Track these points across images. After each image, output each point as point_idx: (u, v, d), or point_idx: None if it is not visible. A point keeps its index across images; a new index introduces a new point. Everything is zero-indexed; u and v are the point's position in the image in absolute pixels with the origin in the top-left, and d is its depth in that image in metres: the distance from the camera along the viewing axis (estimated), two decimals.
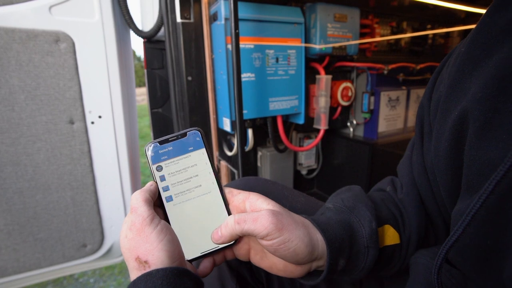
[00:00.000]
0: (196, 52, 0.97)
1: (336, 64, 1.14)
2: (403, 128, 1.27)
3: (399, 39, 1.30)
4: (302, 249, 0.33)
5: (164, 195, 0.37)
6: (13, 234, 0.91)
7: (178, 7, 0.90)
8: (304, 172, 1.30)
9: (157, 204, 0.37)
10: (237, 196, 0.38)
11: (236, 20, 0.78)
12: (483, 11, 1.25)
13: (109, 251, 1.08)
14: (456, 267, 0.34)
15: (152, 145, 0.37)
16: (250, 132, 1.00)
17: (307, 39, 1.01)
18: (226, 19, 0.85)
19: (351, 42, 1.06)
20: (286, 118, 1.10)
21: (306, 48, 1.01)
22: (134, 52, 1.12)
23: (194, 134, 0.38)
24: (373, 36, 1.18)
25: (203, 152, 0.38)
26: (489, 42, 0.28)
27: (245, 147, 1.02)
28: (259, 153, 1.14)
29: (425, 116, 0.40)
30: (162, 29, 0.96)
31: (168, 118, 1.12)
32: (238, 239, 0.37)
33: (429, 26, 1.38)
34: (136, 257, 0.31)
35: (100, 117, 0.95)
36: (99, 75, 0.92)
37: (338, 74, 1.16)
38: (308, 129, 1.17)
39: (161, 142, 0.37)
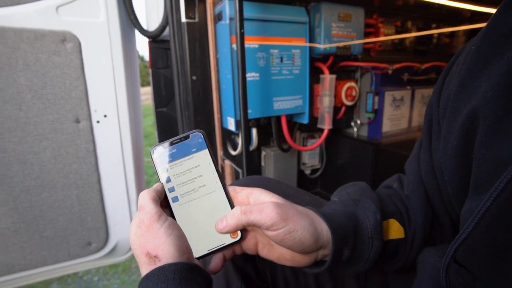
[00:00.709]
0: (201, 52, 0.97)
1: (340, 64, 1.14)
2: (407, 128, 1.26)
3: (404, 39, 1.30)
4: (307, 238, 0.33)
5: (170, 195, 0.38)
6: (20, 232, 0.92)
7: (183, 7, 0.91)
8: (307, 171, 1.30)
9: (163, 205, 0.38)
10: (241, 193, 0.38)
11: (242, 19, 0.78)
12: (488, 10, 1.24)
13: (113, 249, 1.09)
14: (464, 267, 0.34)
15: (157, 148, 0.39)
16: (254, 131, 1.00)
17: (311, 39, 1.01)
18: (231, 18, 0.85)
19: (355, 41, 1.06)
20: (290, 118, 1.10)
21: (310, 47, 1.01)
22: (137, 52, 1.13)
23: (196, 136, 0.39)
24: (377, 36, 1.17)
25: (205, 153, 0.39)
26: (501, 40, 0.28)
27: (249, 147, 1.02)
28: (263, 153, 1.14)
29: (433, 115, 0.40)
30: (167, 29, 0.96)
31: (172, 117, 1.12)
32: (244, 235, 0.38)
33: (434, 26, 1.37)
34: (146, 253, 0.31)
35: (105, 116, 0.96)
36: (104, 74, 0.93)
37: (342, 74, 1.16)
38: (312, 128, 1.17)
39: (165, 145, 0.39)
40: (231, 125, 0.97)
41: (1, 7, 0.79)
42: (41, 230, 0.95)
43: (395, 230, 0.39)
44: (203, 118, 1.03)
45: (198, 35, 0.95)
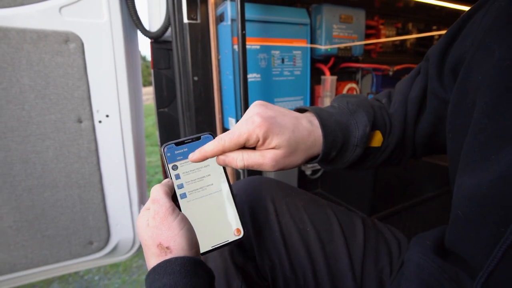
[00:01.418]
0: (203, 53, 0.98)
1: (341, 65, 1.14)
2: None
3: (405, 40, 1.30)
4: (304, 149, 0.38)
5: (178, 192, 0.39)
6: (21, 231, 0.93)
7: (185, 8, 0.91)
8: (308, 172, 1.30)
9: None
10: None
11: (243, 21, 0.79)
12: None
13: (114, 249, 1.09)
14: None
15: (169, 146, 0.40)
16: None
17: (312, 40, 1.02)
18: (232, 20, 0.85)
19: (356, 43, 1.06)
20: None
21: (311, 49, 1.01)
22: (139, 52, 1.14)
23: (207, 138, 0.41)
24: (378, 37, 1.18)
25: None
26: None
27: None
28: None
29: (433, 63, 0.40)
30: (169, 30, 0.97)
31: (174, 118, 1.13)
32: (244, 234, 0.39)
33: (434, 27, 1.38)
34: (158, 244, 0.32)
35: (107, 116, 0.96)
36: (107, 74, 0.94)
37: (343, 75, 1.17)
38: None
39: (177, 144, 0.40)
40: (232, 125, 0.97)
41: (4, 7, 0.79)
42: (43, 229, 0.96)
43: (377, 140, 0.43)
44: (204, 119, 1.03)
45: (200, 36, 0.96)
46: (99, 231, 1.03)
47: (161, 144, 1.15)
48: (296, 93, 1.01)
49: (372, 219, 0.56)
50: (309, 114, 0.41)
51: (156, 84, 1.09)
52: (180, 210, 0.38)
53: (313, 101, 1.10)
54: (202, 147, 0.37)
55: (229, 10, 0.84)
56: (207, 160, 0.40)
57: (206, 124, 1.04)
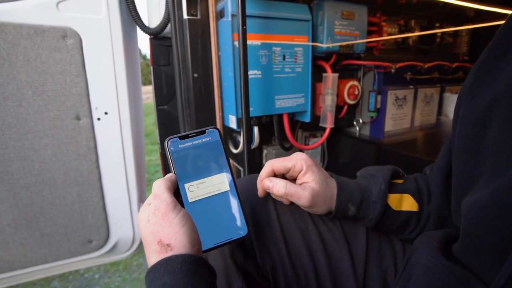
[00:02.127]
0: (203, 49, 0.96)
1: (343, 62, 1.13)
2: (410, 127, 1.26)
3: (407, 38, 1.28)
4: (323, 211, 0.46)
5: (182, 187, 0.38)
6: (20, 229, 0.92)
7: (184, 4, 0.90)
8: None
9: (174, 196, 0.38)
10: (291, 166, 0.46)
11: (244, 16, 0.77)
12: (492, 9, 1.23)
13: (114, 247, 1.08)
14: None
15: (173, 139, 0.38)
16: (256, 129, 0.99)
17: (314, 37, 1.00)
18: (233, 15, 0.84)
19: (358, 40, 1.05)
20: (292, 116, 1.10)
21: (313, 45, 1.00)
22: (139, 50, 1.13)
23: (212, 133, 0.39)
24: (380, 34, 1.17)
25: None
26: None
27: (251, 145, 1.02)
28: (265, 151, 1.13)
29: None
30: (169, 26, 0.95)
31: (173, 115, 1.12)
32: (248, 231, 0.39)
33: (437, 25, 1.36)
34: (158, 240, 0.32)
35: (106, 113, 0.95)
36: (105, 71, 0.92)
37: (345, 72, 1.15)
38: (314, 127, 1.16)
39: (181, 138, 0.38)
40: (232, 123, 0.96)
41: (0, 2, 0.78)
42: (42, 227, 0.95)
43: (409, 203, 0.47)
44: (204, 116, 1.02)
45: (200, 32, 0.95)
46: (98, 230, 1.03)
47: (161, 141, 1.14)
48: (297, 91, 1.00)
49: None
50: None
51: (156, 81, 1.07)
52: (183, 206, 0.37)
53: (314, 99, 1.09)
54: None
55: (230, 5, 0.83)
56: (212, 154, 0.39)
57: (206, 121, 1.03)
